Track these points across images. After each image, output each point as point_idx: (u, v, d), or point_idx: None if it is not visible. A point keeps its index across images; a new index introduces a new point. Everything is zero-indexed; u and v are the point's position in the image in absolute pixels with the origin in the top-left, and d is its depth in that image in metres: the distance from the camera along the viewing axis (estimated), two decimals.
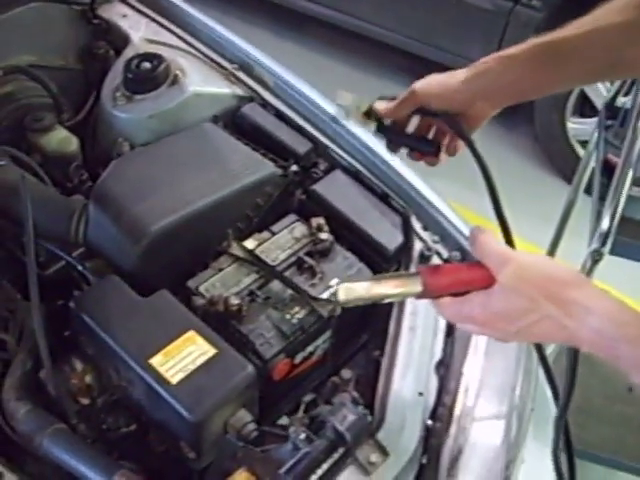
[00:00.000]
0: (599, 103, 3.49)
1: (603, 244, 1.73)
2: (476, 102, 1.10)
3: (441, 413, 1.38)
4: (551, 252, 2.55)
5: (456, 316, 1.02)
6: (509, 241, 1.11)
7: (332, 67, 4.44)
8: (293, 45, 4.57)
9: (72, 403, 1.32)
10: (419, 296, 1.06)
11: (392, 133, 1.23)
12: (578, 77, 1.10)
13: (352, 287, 1.09)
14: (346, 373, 1.49)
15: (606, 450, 2.32)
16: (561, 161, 3.82)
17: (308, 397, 1.38)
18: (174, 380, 1.21)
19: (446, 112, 1.12)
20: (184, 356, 1.25)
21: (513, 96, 1.11)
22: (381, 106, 1.18)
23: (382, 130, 1.23)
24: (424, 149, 1.22)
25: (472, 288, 0.99)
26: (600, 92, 3.47)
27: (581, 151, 3.65)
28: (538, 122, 3.85)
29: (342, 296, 1.08)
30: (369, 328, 1.63)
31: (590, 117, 3.61)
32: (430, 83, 1.14)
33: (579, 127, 3.69)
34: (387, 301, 1.14)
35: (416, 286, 1.04)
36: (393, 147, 1.25)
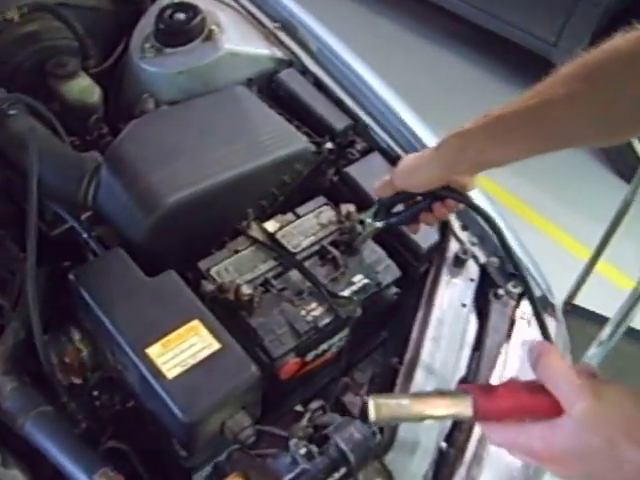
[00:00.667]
0: None
1: None
2: (449, 177, 1.14)
3: (457, 437, 1.27)
4: (597, 254, 2.39)
5: (509, 444, 0.88)
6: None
7: (385, 28, 4.25)
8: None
9: (64, 378, 1.24)
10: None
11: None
12: (536, 148, 1.08)
13: (387, 404, 0.94)
14: (360, 377, 1.39)
15: None
16: (614, 152, 3.61)
17: (315, 404, 1.27)
18: (170, 375, 1.11)
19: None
20: (185, 348, 1.14)
21: (482, 166, 1.12)
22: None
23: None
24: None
25: (533, 417, 0.85)
26: None
27: (637, 144, 3.45)
28: None
29: (373, 415, 0.93)
30: (389, 326, 1.51)
31: None
32: (403, 168, 1.18)
33: None
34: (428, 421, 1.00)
35: (466, 408, 0.88)
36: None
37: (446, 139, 1.11)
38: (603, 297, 2.57)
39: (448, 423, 1.28)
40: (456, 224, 1.48)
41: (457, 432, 1.28)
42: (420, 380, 1.29)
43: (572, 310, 2.57)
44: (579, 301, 2.63)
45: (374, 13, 4.41)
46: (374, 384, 1.45)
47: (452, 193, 1.17)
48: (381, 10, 4.42)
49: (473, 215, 1.47)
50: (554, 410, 0.83)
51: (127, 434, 1.27)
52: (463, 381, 1.32)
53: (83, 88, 1.58)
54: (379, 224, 1.30)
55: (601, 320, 2.27)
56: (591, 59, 0.99)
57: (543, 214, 3.36)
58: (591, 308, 2.54)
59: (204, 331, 1.16)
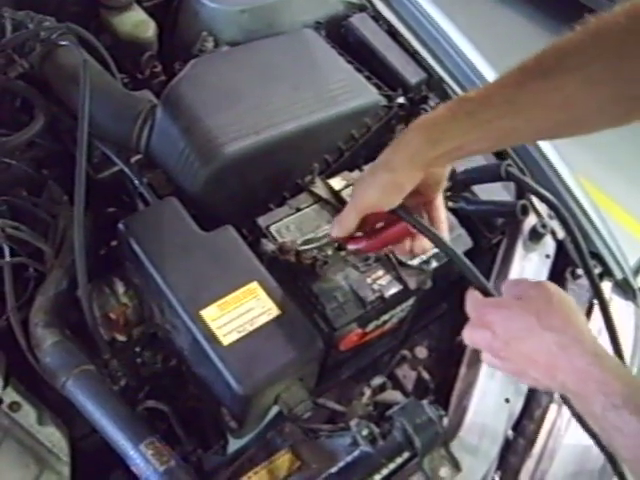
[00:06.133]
0: None
1: None
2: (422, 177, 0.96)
3: (526, 426, 1.17)
4: None
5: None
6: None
7: None
8: None
9: (107, 333, 1.16)
10: None
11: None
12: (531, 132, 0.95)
13: None
14: (421, 352, 1.29)
15: None
16: None
17: (377, 380, 1.17)
18: (226, 341, 1.01)
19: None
20: (242, 312, 1.04)
21: (460, 157, 0.98)
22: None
23: None
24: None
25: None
26: None
27: None
28: None
29: None
30: (450, 298, 1.40)
31: None
32: (363, 187, 0.98)
33: None
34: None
35: None
36: None
37: (410, 133, 0.94)
38: None
39: (517, 409, 1.19)
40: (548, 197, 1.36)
41: (526, 420, 1.19)
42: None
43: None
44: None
45: None
46: (431, 359, 1.35)
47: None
48: None
49: (555, 185, 1.36)
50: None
51: (165, 393, 1.19)
52: None
53: (137, 22, 1.47)
54: (450, 204, 1.19)
55: None
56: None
57: (606, 192, 3.21)
58: None
59: (263, 294, 1.06)
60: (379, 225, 1.08)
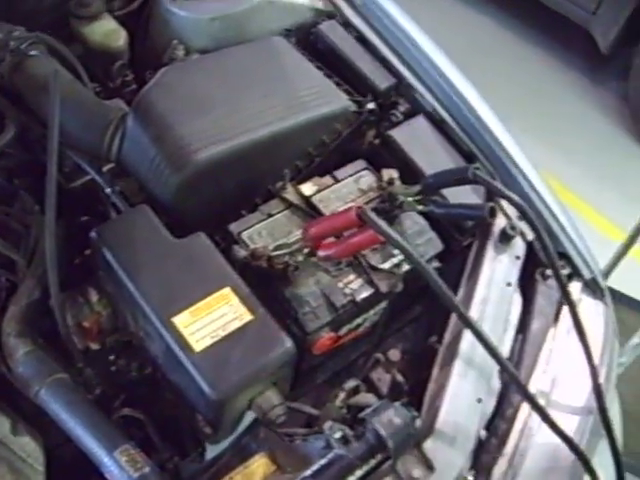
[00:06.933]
0: None
1: None
2: None
3: (498, 426, 1.18)
4: (633, 237, 2.28)
5: None
6: None
7: None
8: None
9: (80, 342, 1.16)
10: None
11: None
12: None
13: None
14: (394, 354, 1.30)
15: None
16: None
17: (350, 383, 1.18)
18: (198, 347, 1.02)
19: None
20: (215, 318, 1.05)
21: None
22: None
23: None
24: None
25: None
26: None
27: None
28: (632, 81, 3.49)
29: None
30: (424, 301, 1.42)
31: None
32: None
33: None
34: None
35: None
36: None
37: None
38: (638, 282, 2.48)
39: (489, 409, 1.20)
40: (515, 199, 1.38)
41: (499, 420, 1.20)
42: (461, 363, 1.20)
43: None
44: (613, 285, 2.53)
45: None
46: (405, 362, 1.36)
47: None
48: None
49: (524, 188, 1.38)
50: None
51: (141, 401, 1.19)
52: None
53: (107, 31, 1.48)
54: (420, 208, 1.21)
55: (636, 306, 2.19)
56: None
57: (574, 190, 3.25)
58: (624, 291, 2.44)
59: (236, 300, 1.07)
60: (349, 232, 1.09)
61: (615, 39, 3.34)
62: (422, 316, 1.43)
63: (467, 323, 1.08)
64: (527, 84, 3.67)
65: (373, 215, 0.98)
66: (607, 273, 2.47)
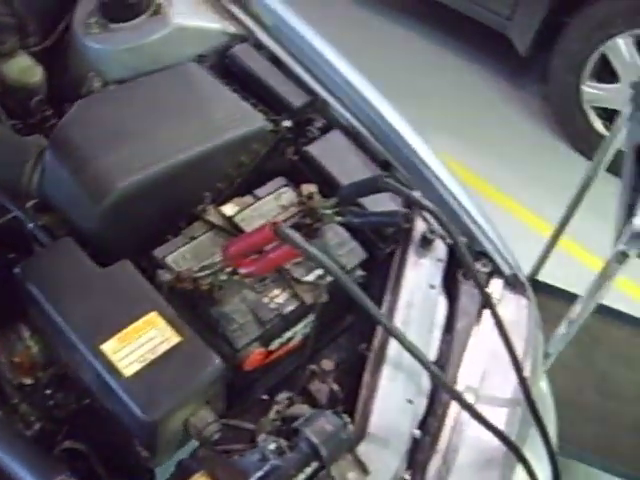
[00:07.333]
0: (620, 68, 3.26)
1: (633, 245, 1.52)
2: None
3: (431, 424, 1.22)
4: (560, 230, 2.36)
5: None
6: None
7: (346, 9, 4.16)
8: None
9: (14, 378, 1.16)
10: None
11: None
12: None
13: None
14: (327, 364, 1.32)
15: (595, 450, 2.18)
16: (572, 128, 3.58)
17: (282, 395, 1.20)
18: (128, 372, 1.04)
19: None
20: (143, 342, 1.07)
21: None
22: None
23: None
24: None
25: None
26: (623, 56, 3.23)
27: (595, 119, 3.42)
28: (551, 83, 3.59)
29: None
30: (355, 310, 1.45)
31: (609, 83, 3.34)
32: None
33: (595, 92, 3.41)
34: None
35: None
36: None
37: None
38: (568, 274, 2.56)
39: (421, 409, 1.24)
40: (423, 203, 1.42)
41: (430, 418, 1.24)
42: (389, 367, 1.24)
43: (535, 286, 2.55)
44: (543, 277, 2.61)
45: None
46: (340, 371, 1.39)
47: None
48: None
49: (440, 193, 1.43)
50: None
51: (84, 433, 1.20)
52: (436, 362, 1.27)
53: (23, 68, 1.49)
54: (339, 219, 1.25)
55: (565, 297, 2.26)
56: None
57: (505, 192, 3.34)
58: (556, 284, 2.52)
59: (162, 323, 1.09)
60: (268, 247, 1.13)
61: (532, 42, 3.44)
62: (354, 325, 1.46)
63: (384, 326, 1.11)
64: (452, 93, 3.77)
65: (288, 230, 1.01)
66: (538, 267, 2.56)
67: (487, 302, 1.24)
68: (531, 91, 3.89)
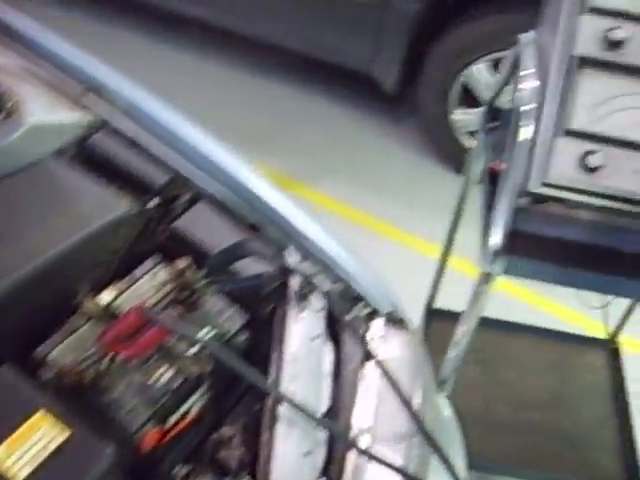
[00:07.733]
0: (482, 94, 3.43)
1: (493, 265, 1.61)
2: None
3: (333, 471, 1.26)
4: (446, 252, 2.46)
5: None
6: None
7: (207, 69, 4.25)
8: (166, 47, 4.33)
9: None
10: None
11: None
12: None
13: None
14: (227, 430, 1.35)
15: (514, 461, 2.25)
16: (451, 153, 3.74)
17: (184, 469, 1.23)
18: (21, 476, 1.04)
19: None
20: (34, 442, 1.08)
21: None
22: None
23: None
24: None
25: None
26: (483, 82, 3.41)
27: (471, 143, 3.57)
28: (422, 114, 3.76)
29: None
30: None
31: (476, 107, 3.52)
32: None
33: (464, 118, 3.60)
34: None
35: None
36: None
37: None
38: (465, 293, 2.65)
39: (320, 458, 1.27)
40: (296, 257, 1.47)
41: (332, 465, 1.27)
42: (283, 425, 1.27)
43: (433, 315, 2.63)
44: (442, 301, 2.69)
45: (198, 59, 4.37)
46: (246, 434, 1.42)
47: None
48: (206, 54, 4.39)
49: (313, 244, 1.48)
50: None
51: None
52: (327, 415, 1.32)
53: None
54: (212, 289, 1.29)
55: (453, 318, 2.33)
56: None
57: (402, 227, 3.43)
58: (457, 308, 2.60)
59: (51, 420, 1.10)
60: (144, 329, 1.16)
61: (397, 79, 3.59)
62: (251, 389, 1.49)
63: (268, 392, 1.14)
64: (331, 140, 3.88)
65: (149, 312, 1.05)
66: (432, 294, 2.65)
67: (364, 348, 1.29)
68: (408, 123, 4.04)
